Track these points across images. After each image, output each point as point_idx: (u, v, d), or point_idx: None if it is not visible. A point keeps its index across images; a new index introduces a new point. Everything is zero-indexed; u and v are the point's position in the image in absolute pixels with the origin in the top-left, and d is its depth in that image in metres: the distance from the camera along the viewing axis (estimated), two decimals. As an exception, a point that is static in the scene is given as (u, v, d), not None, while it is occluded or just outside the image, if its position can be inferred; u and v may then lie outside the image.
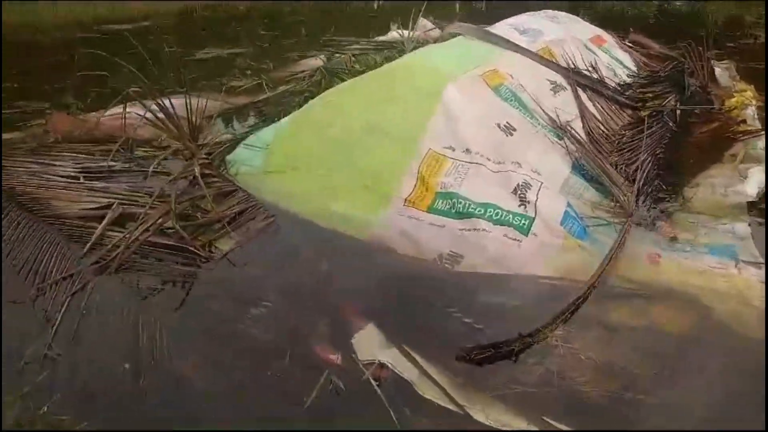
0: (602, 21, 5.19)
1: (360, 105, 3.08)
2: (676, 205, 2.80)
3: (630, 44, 4.75)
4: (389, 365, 1.90)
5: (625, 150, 3.13)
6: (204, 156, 3.00)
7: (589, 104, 3.43)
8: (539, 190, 2.59)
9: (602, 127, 3.30)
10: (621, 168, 2.97)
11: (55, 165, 2.92)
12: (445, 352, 1.96)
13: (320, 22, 8.12)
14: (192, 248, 2.46)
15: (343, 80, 3.88)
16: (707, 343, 2.07)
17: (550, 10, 4.55)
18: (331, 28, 6.24)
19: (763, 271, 2.30)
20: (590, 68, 3.70)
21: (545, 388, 1.83)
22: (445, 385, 1.83)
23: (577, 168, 2.91)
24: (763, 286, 2.23)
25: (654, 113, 3.43)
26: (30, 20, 7.66)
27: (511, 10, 4.49)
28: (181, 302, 2.30)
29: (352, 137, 2.90)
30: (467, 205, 2.53)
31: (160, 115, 3.08)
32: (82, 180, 2.83)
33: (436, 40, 4.28)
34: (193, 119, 3.13)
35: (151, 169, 2.86)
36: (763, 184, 2.92)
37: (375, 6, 10.00)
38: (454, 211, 2.54)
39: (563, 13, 4.56)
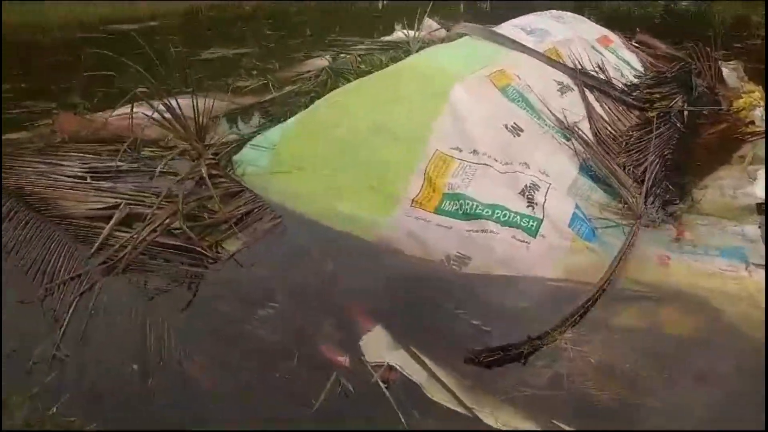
0: (608, 21, 5.17)
1: (366, 105, 3.08)
2: (684, 207, 2.78)
3: (636, 45, 4.73)
4: (398, 367, 1.90)
5: (633, 151, 3.11)
6: (211, 156, 3.00)
7: (596, 105, 3.42)
8: (547, 191, 2.58)
9: (610, 128, 3.29)
10: (629, 169, 2.96)
11: (62, 165, 2.92)
12: (453, 354, 1.96)
13: (322, 21, 8.13)
14: (199, 249, 2.46)
15: (348, 80, 3.87)
16: (717, 345, 2.06)
17: (556, 11, 4.53)
18: (335, 28, 6.24)
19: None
20: (597, 69, 3.69)
21: (555, 391, 1.82)
22: (454, 387, 1.83)
23: (585, 169, 2.90)
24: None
25: (661, 114, 3.42)
26: (37, 20, 7.68)
27: (514, 10, 4.47)
28: (188, 303, 2.30)
29: (358, 138, 2.90)
30: (475, 206, 2.53)
31: (167, 115, 3.08)
32: (89, 180, 2.83)
33: (442, 41, 4.27)
34: (200, 119, 3.13)
35: (158, 169, 2.86)
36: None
37: (380, 6, 10.00)
38: (461, 212, 2.53)
39: (570, 14, 4.55)
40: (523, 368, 1.92)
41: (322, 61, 4.98)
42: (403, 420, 1.72)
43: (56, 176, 2.84)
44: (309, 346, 2.02)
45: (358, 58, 4.58)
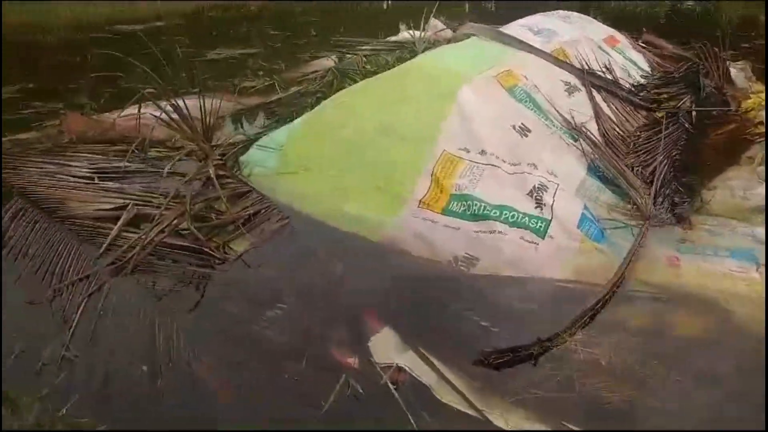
0: (615, 21, 5.15)
1: (373, 106, 3.07)
2: (693, 208, 2.76)
3: (643, 45, 4.72)
4: (407, 369, 1.89)
5: (641, 152, 3.10)
6: (218, 157, 3.00)
7: (603, 105, 3.40)
8: (556, 192, 2.57)
9: (618, 129, 3.28)
10: (637, 170, 2.94)
11: (69, 165, 2.92)
12: (462, 356, 1.95)
13: (327, 22, 8.12)
14: (207, 249, 2.46)
15: (354, 81, 3.87)
16: (728, 347, 2.05)
17: (563, 11, 4.52)
18: (339, 28, 6.23)
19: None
20: (604, 69, 3.68)
21: (565, 393, 1.81)
22: (464, 389, 1.82)
23: (593, 170, 2.89)
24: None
25: (669, 115, 3.40)
26: (41, 20, 7.70)
27: (519, 10, 4.46)
28: (195, 304, 2.30)
29: (365, 138, 2.89)
30: (482, 207, 2.52)
31: (175, 115, 3.08)
32: (96, 181, 2.83)
33: (448, 41, 4.26)
34: (207, 120, 3.13)
35: (166, 170, 2.86)
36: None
37: (384, 6, 9.99)
38: (469, 213, 2.53)
39: (576, 14, 4.53)
40: (532, 370, 1.91)
41: (328, 62, 4.97)
42: (412, 421, 1.71)
43: (64, 177, 2.84)
44: (317, 347, 2.01)
45: (364, 59, 4.56)
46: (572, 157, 2.90)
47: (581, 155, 2.93)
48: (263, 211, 2.73)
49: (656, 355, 1.97)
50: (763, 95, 3.82)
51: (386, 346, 1.99)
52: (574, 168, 2.85)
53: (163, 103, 3.11)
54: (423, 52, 4.20)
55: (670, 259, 2.40)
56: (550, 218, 2.47)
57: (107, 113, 3.68)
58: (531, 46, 3.55)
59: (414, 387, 1.84)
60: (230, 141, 3.31)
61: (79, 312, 2.12)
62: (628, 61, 4.14)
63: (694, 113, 3.39)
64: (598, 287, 2.22)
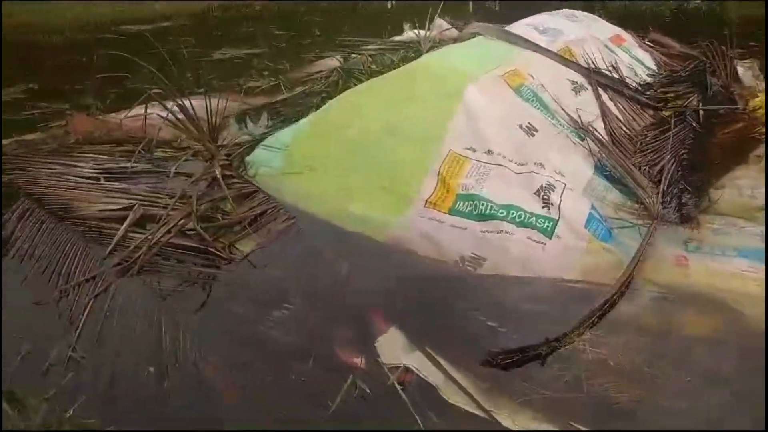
0: (620, 20, 5.12)
1: (379, 105, 3.07)
2: (701, 207, 2.74)
3: (649, 43, 4.69)
4: (414, 369, 1.88)
5: (648, 151, 3.08)
6: (224, 157, 3.00)
7: (610, 104, 3.38)
8: (563, 191, 2.56)
9: (624, 128, 3.26)
10: (644, 169, 2.92)
11: (75, 166, 2.93)
12: (470, 356, 1.94)
13: (330, 21, 8.12)
14: (213, 250, 2.46)
15: (360, 81, 3.86)
16: (737, 347, 2.03)
17: (568, 9, 4.50)
18: (343, 27, 6.23)
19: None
20: (611, 68, 3.66)
21: (573, 394, 1.80)
22: (471, 389, 1.81)
23: (600, 169, 2.87)
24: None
25: (677, 113, 3.38)
26: (48, 21, 7.73)
27: (523, 10, 4.44)
28: (202, 304, 2.29)
29: (370, 138, 2.89)
30: (489, 206, 2.51)
31: (181, 116, 3.08)
32: (102, 181, 2.84)
33: (454, 40, 4.25)
34: (213, 120, 3.13)
35: (172, 170, 2.86)
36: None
37: (388, 6, 9.98)
38: (475, 212, 2.52)
39: (582, 12, 4.51)
40: (540, 370, 1.90)
41: (333, 62, 4.97)
42: (419, 422, 1.71)
43: (70, 177, 2.85)
44: (324, 348, 2.01)
45: (369, 58, 4.56)
46: (579, 157, 2.89)
47: (588, 154, 2.91)
48: (269, 211, 2.73)
49: (664, 355, 1.96)
50: (772, 94, 3.79)
51: (393, 347, 1.99)
52: (582, 167, 2.83)
53: (169, 104, 3.11)
54: (428, 51, 4.19)
55: (678, 259, 2.38)
56: (557, 218, 2.46)
57: (113, 114, 3.69)
58: (537, 45, 3.54)
59: (421, 387, 1.83)
60: (236, 141, 3.31)
61: (86, 313, 2.12)
62: (635, 60, 4.12)
63: (701, 112, 3.36)
64: (605, 287, 2.21)
